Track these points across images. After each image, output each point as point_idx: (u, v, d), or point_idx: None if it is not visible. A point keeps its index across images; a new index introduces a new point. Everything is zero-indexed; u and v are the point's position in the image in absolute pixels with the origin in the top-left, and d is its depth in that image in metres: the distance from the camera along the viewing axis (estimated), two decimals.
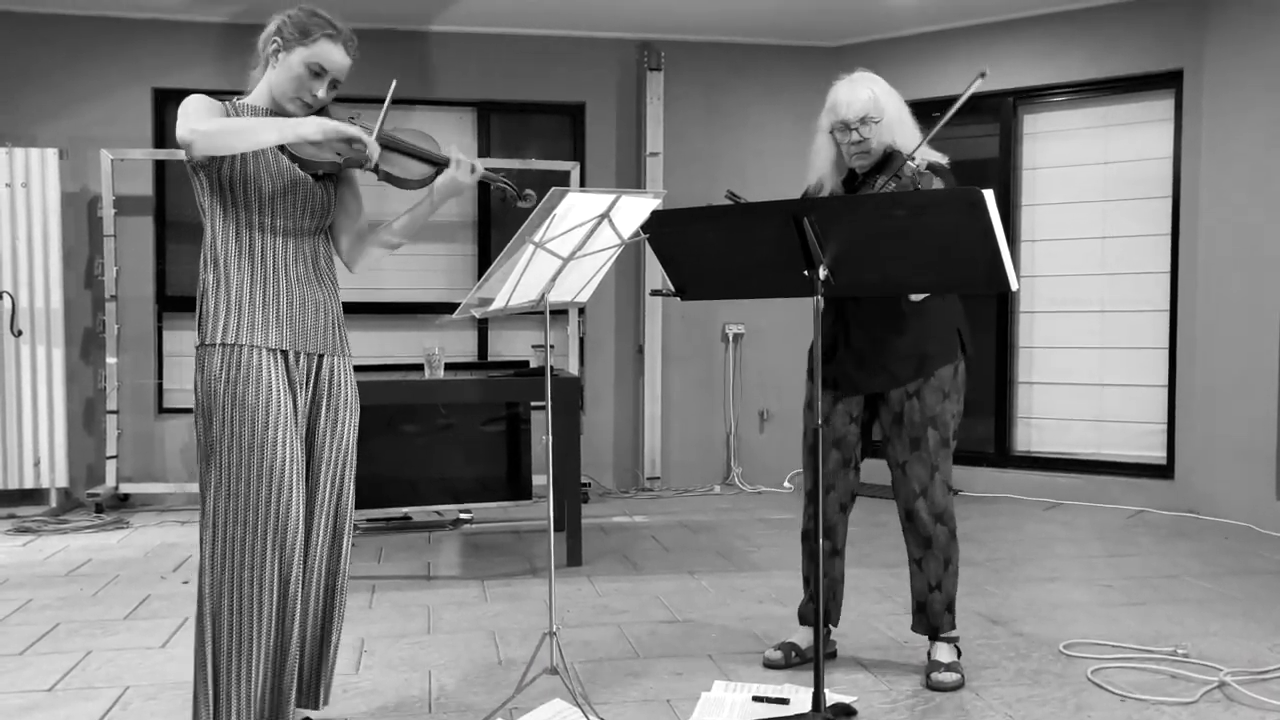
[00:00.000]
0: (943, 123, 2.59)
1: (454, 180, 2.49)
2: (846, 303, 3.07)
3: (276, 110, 2.43)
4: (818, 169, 3.14)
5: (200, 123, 2.21)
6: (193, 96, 2.34)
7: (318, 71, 2.39)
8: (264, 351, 2.35)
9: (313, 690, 2.55)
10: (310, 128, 2.27)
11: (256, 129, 2.24)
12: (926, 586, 3.08)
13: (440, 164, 2.51)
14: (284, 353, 2.39)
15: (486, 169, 2.55)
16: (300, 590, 2.40)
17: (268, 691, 2.38)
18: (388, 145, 2.47)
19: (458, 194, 2.54)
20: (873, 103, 2.96)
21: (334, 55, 2.39)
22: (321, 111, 2.45)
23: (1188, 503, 5.62)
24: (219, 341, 2.34)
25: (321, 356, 2.48)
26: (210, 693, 2.34)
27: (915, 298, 2.96)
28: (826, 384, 3.12)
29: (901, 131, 2.99)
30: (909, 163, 2.77)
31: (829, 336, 3.12)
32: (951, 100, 2.57)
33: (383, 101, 2.41)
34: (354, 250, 2.60)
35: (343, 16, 2.46)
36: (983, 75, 2.57)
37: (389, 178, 2.47)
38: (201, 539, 2.37)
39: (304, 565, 2.44)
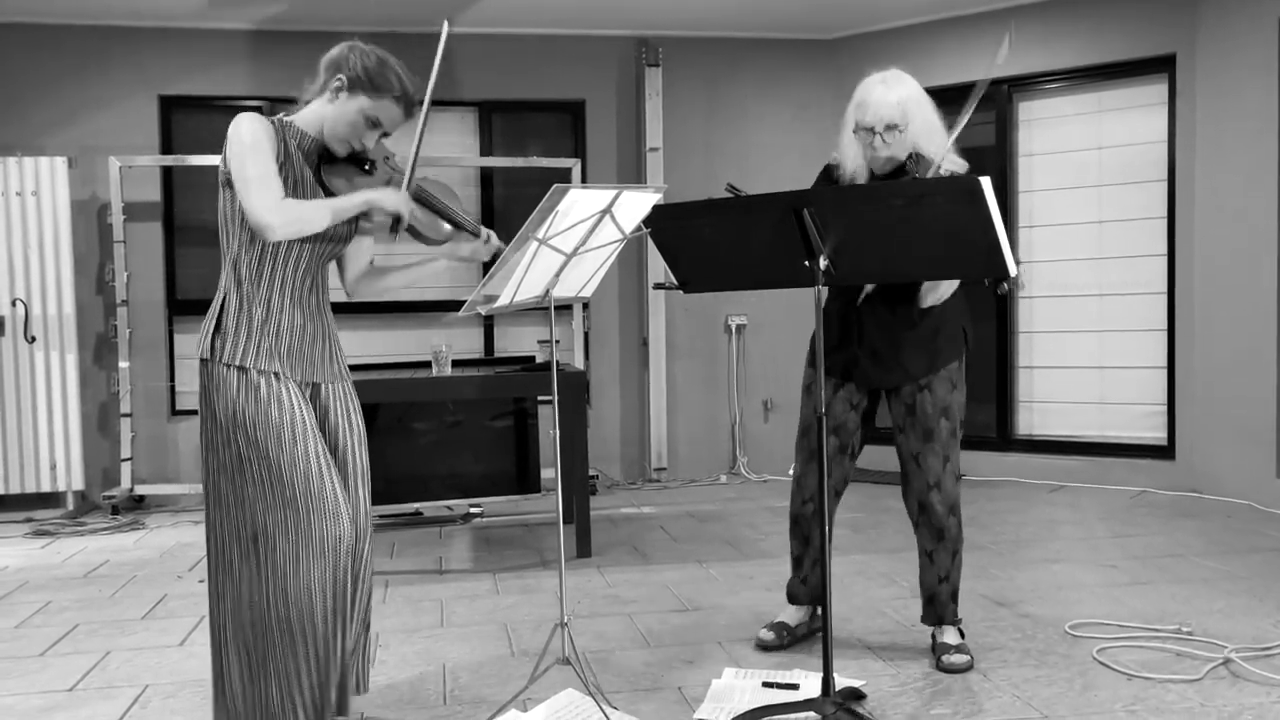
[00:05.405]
0: (971, 104, 2.62)
1: (477, 251, 2.64)
2: (859, 301, 3.08)
3: (322, 140, 2.44)
4: (847, 158, 3.07)
5: (278, 212, 2.25)
6: (246, 129, 2.29)
7: (375, 123, 2.41)
8: (272, 375, 2.35)
9: (362, 680, 2.59)
10: (357, 202, 2.36)
11: (316, 219, 2.31)
12: (936, 580, 3.11)
13: (461, 227, 2.60)
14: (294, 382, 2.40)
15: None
16: (359, 587, 2.45)
17: (327, 695, 2.36)
18: (418, 198, 2.52)
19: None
20: (900, 110, 2.89)
21: (394, 114, 2.42)
22: (361, 150, 2.48)
23: (1190, 482, 5.65)
24: (237, 364, 2.34)
25: (322, 384, 2.48)
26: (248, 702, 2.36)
27: (926, 304, 2.96)
28: (832, 372, 3.15)
29: (928, 138, 2.94)
30: (937, 168, 2.79)
31: (837, 327, 3.14)
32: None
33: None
34: (360, 282, 2.65)
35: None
36: (1009, 39, 2.64)
37: (412, 231, 2.49)
38: (214, 545, 2.38)
39: (363, 560, 2.47)
